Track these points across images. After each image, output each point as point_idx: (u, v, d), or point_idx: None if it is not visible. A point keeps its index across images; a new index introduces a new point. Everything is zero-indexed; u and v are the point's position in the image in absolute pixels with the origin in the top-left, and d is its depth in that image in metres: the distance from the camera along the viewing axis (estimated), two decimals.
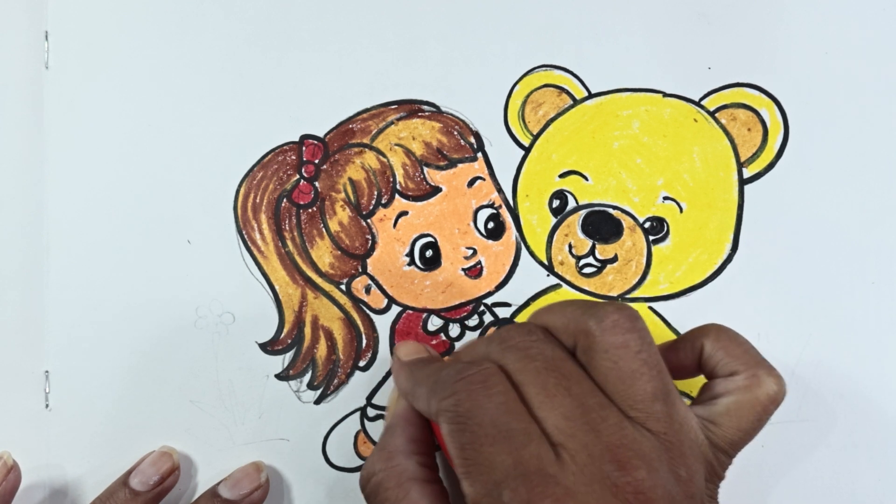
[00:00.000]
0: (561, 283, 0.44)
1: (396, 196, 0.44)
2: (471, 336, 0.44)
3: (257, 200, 0.44)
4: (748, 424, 0.34)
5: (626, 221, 0.43)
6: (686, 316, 0.43)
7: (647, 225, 0.43)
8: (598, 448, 0.30)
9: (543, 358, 0.32)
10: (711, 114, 0.44)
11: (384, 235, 0.44)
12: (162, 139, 0.44)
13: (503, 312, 0.44)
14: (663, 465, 0.30)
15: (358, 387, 0.44)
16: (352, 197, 0.44)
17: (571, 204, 0.44)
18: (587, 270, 0.43)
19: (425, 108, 0.44)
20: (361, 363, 0.44)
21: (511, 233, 0.44)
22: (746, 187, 0.43)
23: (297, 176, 0.44)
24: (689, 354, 0.36)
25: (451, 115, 0.44)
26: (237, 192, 0.44)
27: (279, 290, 0.44)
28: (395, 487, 0.35)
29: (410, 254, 0.44)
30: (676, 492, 0.30)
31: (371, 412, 0.44)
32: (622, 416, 0.31)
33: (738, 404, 0.34)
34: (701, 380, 0.37)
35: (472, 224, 0.44)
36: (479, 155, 0.44)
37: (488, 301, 0.44)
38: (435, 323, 0.44)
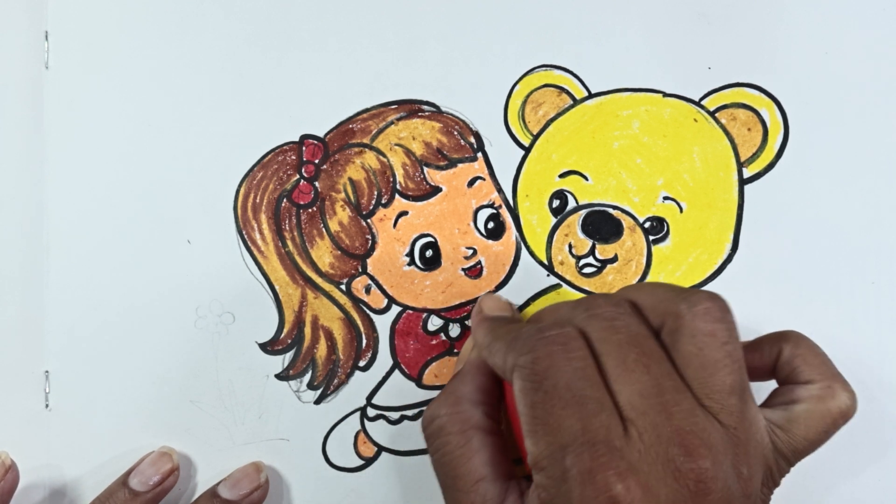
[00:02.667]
0: (561, 283, 0.44)
1: (396, 196, 0.44)
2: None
3: (257, 200, 0.44)
4: (815, 435, 0.34)
5: (626, 221, 0.43)
6: None
7: (647, 225, 0.43)
8: (668, 430, 0.30)
9: (627, 332, 0.32)
10: (711, 114, 0.44)
11: (384, 235, 0.44)
12: (162, 139, 0.44)
13: None
14: (728, 459, 0.30)
15: (358, 387, 0.43)
16: (352, 197, 0.44)
17: (571, 204, 0.44)
18: (587, 270, 0.43)
19: (425, 108, 0.44)
20: (361, 363, 0.44)
21: (511, 233, 0.44)
22: (746, 187, 0.43)
23: (297, 176, 0.44)
24: (767, 357, 0.36)
25: (451, 115, 0.44)
26: (237, 192, 0.44)
27: (279, 290, 0.44)
28: (457, 433, 0.35)
29: (410, 254, 0.44)
30: (735, 488, 0.30)
31: (371, 412, 0.44)
32: (696, 403, 0.31)
33: (810, 413, 0.34)
34: None
35: (472, 224, 0.44)
36: (479, 155, 0.44)
37: None
38: (435, 323, 0.44)
